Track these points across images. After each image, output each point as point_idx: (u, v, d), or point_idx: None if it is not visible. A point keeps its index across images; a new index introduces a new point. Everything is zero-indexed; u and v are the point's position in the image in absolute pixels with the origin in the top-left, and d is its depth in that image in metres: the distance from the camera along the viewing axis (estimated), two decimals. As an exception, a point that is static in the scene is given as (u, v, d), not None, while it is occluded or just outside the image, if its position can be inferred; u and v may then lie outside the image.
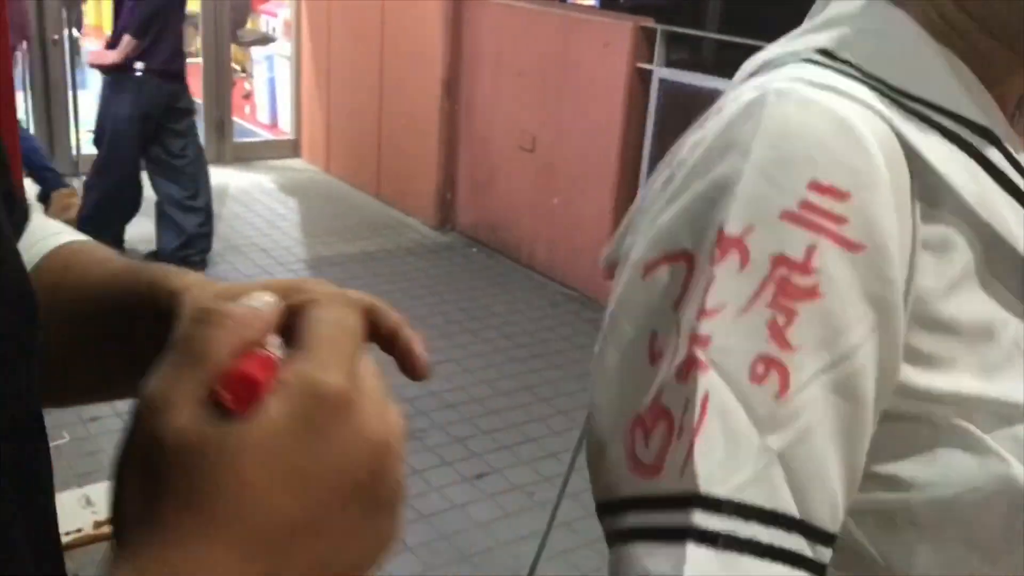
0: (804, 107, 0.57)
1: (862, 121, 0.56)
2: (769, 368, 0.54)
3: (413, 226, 5.27)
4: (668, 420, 0.55)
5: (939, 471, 0.60)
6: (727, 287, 0.55)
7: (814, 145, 0.55)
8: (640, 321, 0.59)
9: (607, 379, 0.62)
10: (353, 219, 5.32)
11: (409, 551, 2.62)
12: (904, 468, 0.60)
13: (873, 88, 0.60)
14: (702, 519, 0.53)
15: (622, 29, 4.09)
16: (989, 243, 0.60)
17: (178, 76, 4.09)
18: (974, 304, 0.60)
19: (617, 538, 0.58)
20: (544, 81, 4.52)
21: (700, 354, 0.54)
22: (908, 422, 0.59)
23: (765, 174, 0.55)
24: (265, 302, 0.38)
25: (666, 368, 0.56)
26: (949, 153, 0.59)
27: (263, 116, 6.88)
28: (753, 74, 0.65)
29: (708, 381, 0.54)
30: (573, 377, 3.67)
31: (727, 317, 0.54)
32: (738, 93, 0.61)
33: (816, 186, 0.55)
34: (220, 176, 5.80)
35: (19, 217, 0.58)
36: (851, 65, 0.61)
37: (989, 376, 0.60)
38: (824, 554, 0.55)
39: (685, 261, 0.57)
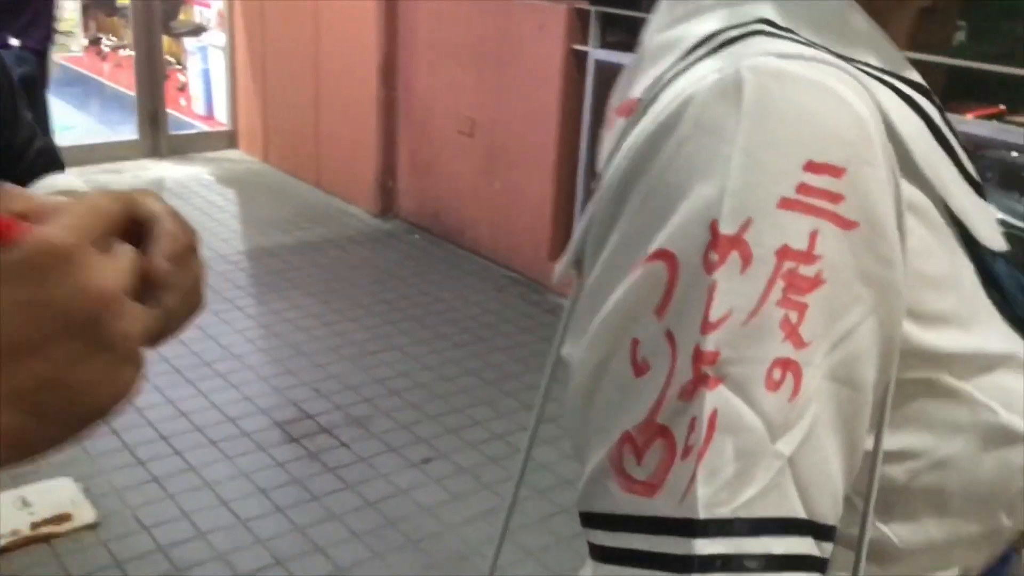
0: (786, 81, 0.52)
1: (846, 87, 0.53)
2: (785, 371, 0.51)
3: (354, 214, 5.23)
4: (667, 439, 0.51)
5: (936, 433, 0.60)
6: (731, 292, 0.50)
7: (805, 121, 0.51)
8: (617, 329, 0.54)
9: (581, 386, 0.57)
10: (292, 209, 5.26)
11: (356, 538, 2.61)
12: (904, 439, 0.60)
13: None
14: (704, 546, 0.50)
15: (556, 11, 4.09)
16: (935, 200, 0.59)
17: (46, 55, 4.32)
18: (944, 258, 0.60)
19: (610, 556, 0.54)
20: (481, 65, 4.50)
21: (708, 371, 0.50)
22: (902, 388, 0.58)
23: (756, 160, 0.51)
24: (56, 198, 0.46)
25: (659, 384, 0.52)
26: (903, 113, 0.58)
27: (199, 108, 6.76)
28: (692, 52, 0.59)
29: (717, 398, 0.50)
30: (519, 359, 3.67)
31: (735, 325, 0.50)
32: (696, 75, 0.55)
33: (812, 166, 0.51)
34: (156, 169, 5.71)
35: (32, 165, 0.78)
36: (794, 34, 0.57)
37: (967, 328, 0.61)
38: (828, 549, 0.54)
39: (664, 261, 0.52)
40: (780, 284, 0.50)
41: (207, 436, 3.03)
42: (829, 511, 0.53)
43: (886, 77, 0.59)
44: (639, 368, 0.53)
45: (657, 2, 0.68)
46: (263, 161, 6.02)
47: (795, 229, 0.50)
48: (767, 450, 0.50)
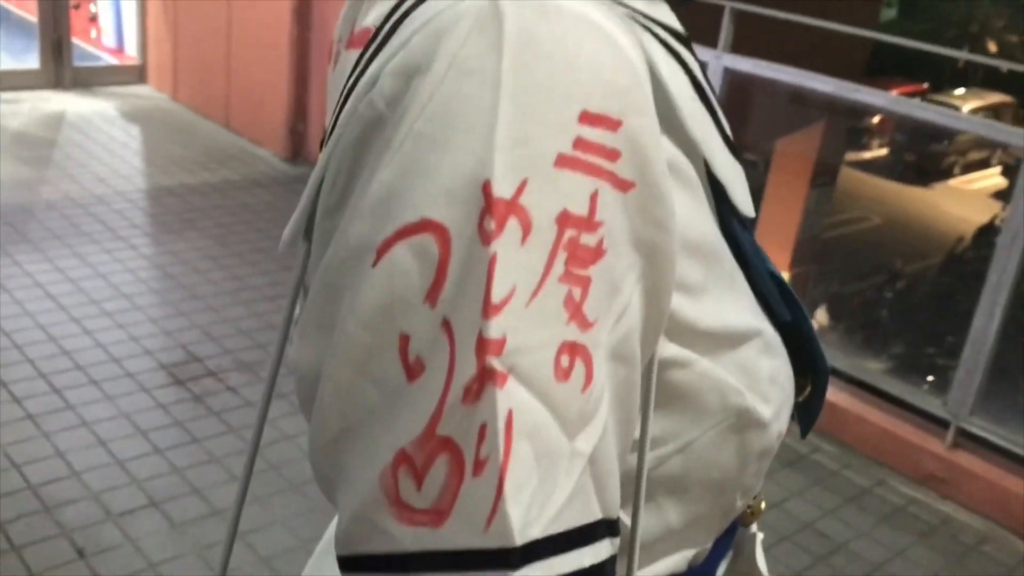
0: (551, 15, 0.44)
1: (614, 26, 0.46)
2: (574, 357, 0.44)
3: (263, 157, 5.12)
4: (453, 454, 0.43)
5: (685, 417, 0.57)
6: (513, 266, 0.42)
7: (576, 64, 0.44)
8: (378, 323, 0.44)
9: (331, 402, 0.47)
10: (199, 149, 5.12)
11: (235, 480, 2.58)
12: (654, 424, 0.55)
13: None
14: (524, 574, 0.43)
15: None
16: (696, 160, 0.55)
17: None
18: (703, 225, 0.55)
19: None
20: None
21: (495, 363, 0.42)
22: (662, 369, 0.54)
23: (526, 110, 0.43)
24: None
25: (437, 386, 0.43)
26: (669, 64, 0.53)
27: (109, 40, 6.53)
28: None
29: (509, 395, 0.42)
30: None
31: (519, 306, 0.42)
32: (443, 3, 0.46)
33: (587, 116, 0.44)
34: (57, 102, 5.50)
35: None
36: None
37: (720, 300, 0.56)
38: (617, 543, 0.49)
39: (432, 233, 0.43)
40: (562, 256, 0.43)
41: (89, 375, 2.96)
42: (616, 502, 0.49)
43: (650, 24, 0.54)
44: (412, 369, 0.43)
45: None
46: (172, 98, 5.84)
47: (574, 191, 0.44)
48: (565, 450, 0.44)
